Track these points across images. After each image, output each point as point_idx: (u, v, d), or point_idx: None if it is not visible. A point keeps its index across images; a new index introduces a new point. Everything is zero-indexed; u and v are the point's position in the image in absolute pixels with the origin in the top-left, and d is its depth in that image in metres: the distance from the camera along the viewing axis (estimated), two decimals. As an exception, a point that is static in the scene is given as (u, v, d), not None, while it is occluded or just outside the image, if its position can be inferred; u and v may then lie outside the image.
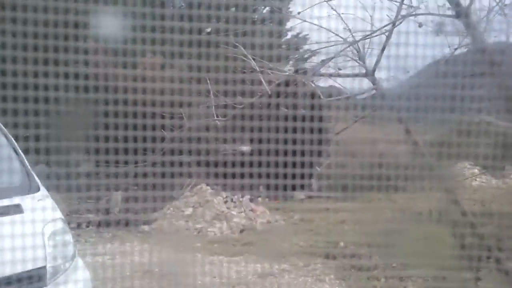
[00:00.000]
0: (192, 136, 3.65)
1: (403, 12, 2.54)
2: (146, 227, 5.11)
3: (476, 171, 5.97)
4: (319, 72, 2.89)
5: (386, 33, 2.57)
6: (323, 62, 2.95)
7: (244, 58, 2.78)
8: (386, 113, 2.91)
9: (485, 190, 5.95)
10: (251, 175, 2.66)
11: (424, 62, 2.67)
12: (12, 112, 2.26)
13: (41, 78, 2.30)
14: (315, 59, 3.82)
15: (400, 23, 2.55)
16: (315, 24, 2.63)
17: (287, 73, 2.97)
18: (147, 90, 2.86)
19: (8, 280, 1.91)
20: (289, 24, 6.10)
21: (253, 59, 2.78)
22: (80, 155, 2.70)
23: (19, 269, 1.94)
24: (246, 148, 3.11)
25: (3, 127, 2.41)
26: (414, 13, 2.53)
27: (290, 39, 7.59)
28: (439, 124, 3.42)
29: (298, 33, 7.11)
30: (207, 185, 5.57)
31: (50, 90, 2.38)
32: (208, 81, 3.03)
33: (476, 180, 6.48)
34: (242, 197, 5.49)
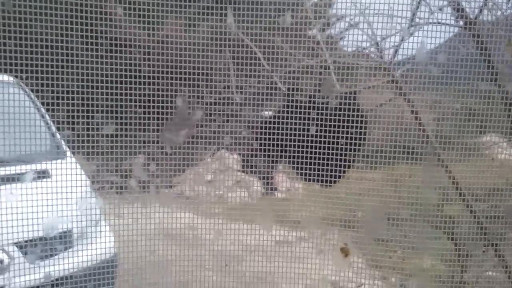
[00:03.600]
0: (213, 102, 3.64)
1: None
2: (167, 191, 5.21)
3: (505, 144, 5.81)
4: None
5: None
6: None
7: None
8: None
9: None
10: (271, 143, 2.68)
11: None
12: (40, 78, 2.29)
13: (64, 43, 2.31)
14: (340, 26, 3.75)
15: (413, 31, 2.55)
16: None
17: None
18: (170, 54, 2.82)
19: (36, 242, 1.99)
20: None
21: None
22: (104, 118, 2.73)
23: (46, 232, 2.02)
24: (268, 113, 3.09)
25: (31, 92, 2.45)
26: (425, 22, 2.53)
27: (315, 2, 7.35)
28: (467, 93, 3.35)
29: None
30: (228, 151, 5.61)
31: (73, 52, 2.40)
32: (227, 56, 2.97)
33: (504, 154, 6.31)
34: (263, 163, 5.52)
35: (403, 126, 3.08)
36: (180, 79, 2.57)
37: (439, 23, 2.47)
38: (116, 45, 2.51)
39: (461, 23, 2.58)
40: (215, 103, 3.73)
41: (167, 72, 2.62)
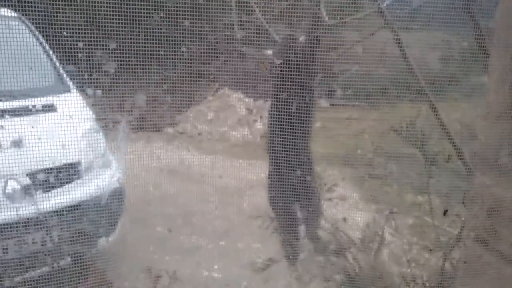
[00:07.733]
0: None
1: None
2: (169, 129, 5.27)
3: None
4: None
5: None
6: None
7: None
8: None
9: None
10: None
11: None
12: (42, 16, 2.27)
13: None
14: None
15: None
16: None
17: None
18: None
19: (46, 172, 2.07)
20: None
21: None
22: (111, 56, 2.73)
23: (56, 163, 2.10)
24: (269, 52, 3.08)
25: (34, 29, 2.44)
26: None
27: None
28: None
29: None
30: (230, 90, 5.61)
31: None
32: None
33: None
34: (265, 102, 5.54)
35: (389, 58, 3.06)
36: (181, 14, 2.55)
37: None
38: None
39: None
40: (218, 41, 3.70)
41: (167, 8, 2.59)
